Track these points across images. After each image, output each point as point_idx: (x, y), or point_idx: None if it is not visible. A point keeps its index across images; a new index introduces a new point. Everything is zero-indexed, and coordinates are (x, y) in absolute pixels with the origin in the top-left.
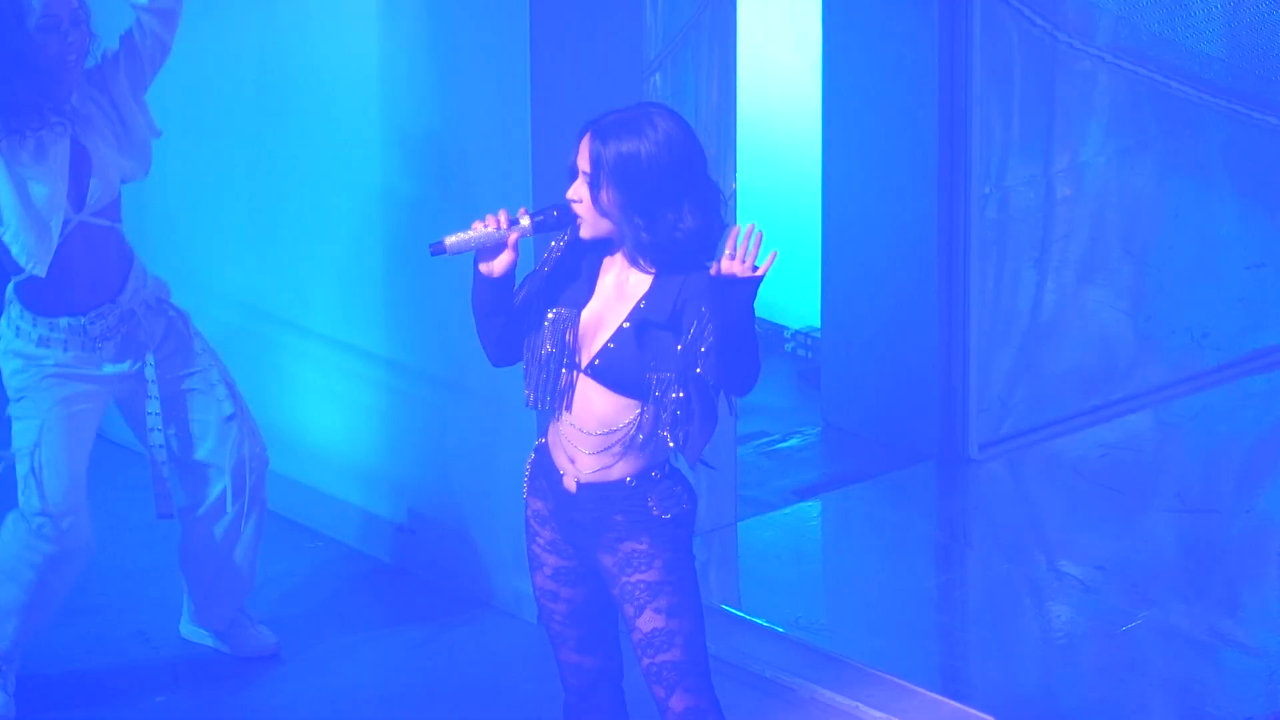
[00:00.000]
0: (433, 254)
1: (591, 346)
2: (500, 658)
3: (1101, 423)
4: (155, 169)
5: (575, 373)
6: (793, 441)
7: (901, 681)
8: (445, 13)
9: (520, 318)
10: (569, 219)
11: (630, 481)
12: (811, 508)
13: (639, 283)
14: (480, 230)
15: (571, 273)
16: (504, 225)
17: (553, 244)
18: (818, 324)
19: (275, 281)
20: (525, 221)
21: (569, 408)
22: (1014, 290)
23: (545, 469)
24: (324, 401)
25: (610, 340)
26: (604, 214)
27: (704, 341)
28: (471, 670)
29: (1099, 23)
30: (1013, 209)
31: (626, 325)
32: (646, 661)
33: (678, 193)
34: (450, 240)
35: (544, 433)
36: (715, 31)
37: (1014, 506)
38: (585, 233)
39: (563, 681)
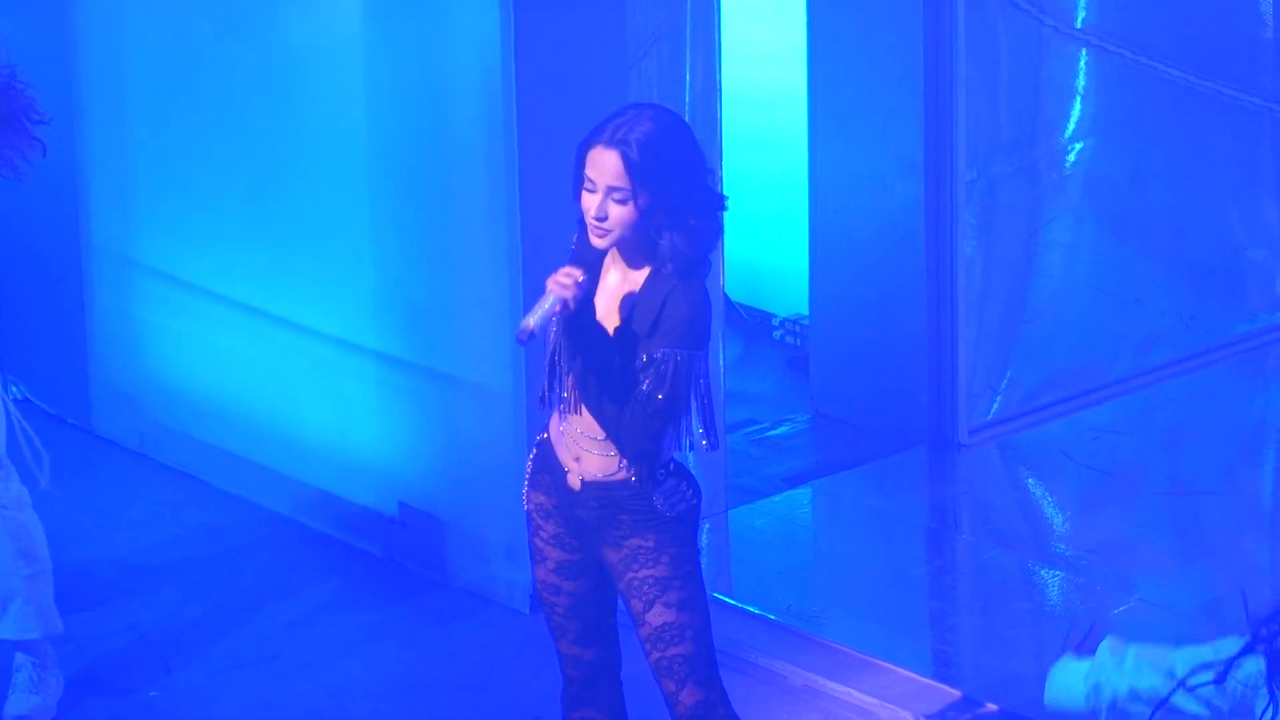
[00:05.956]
0: (525, 344)
1: None
2: (493, 649)
3: (1091, 406)
4: (143, 164)
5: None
6: (782, 429)
7: (893, 667)
8: (428, 6)
9: None
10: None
11: (635, 480)
12: (802, 495)
13: (633, 288)
14: (551, 298)
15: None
16: (574, 288)
17: (573, 246)
18: (806, 311)
19: (262, 274)
20: (580, 275)
21: (576, 409)
22: (1002, 275)
23: (548, 464)
24: (312, 394)
25: None
26: (644, 218)
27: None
28: (465, 662)
29: (1083, 5)
30: (999, 193)
31: (619, 332)
32: (656, 656)
33: (701, 176)
34: (532, 321)
35: (545, 428)
36: (699, 19)
37: (1004, 491)
38: (604, 244)
39: (562, 672)
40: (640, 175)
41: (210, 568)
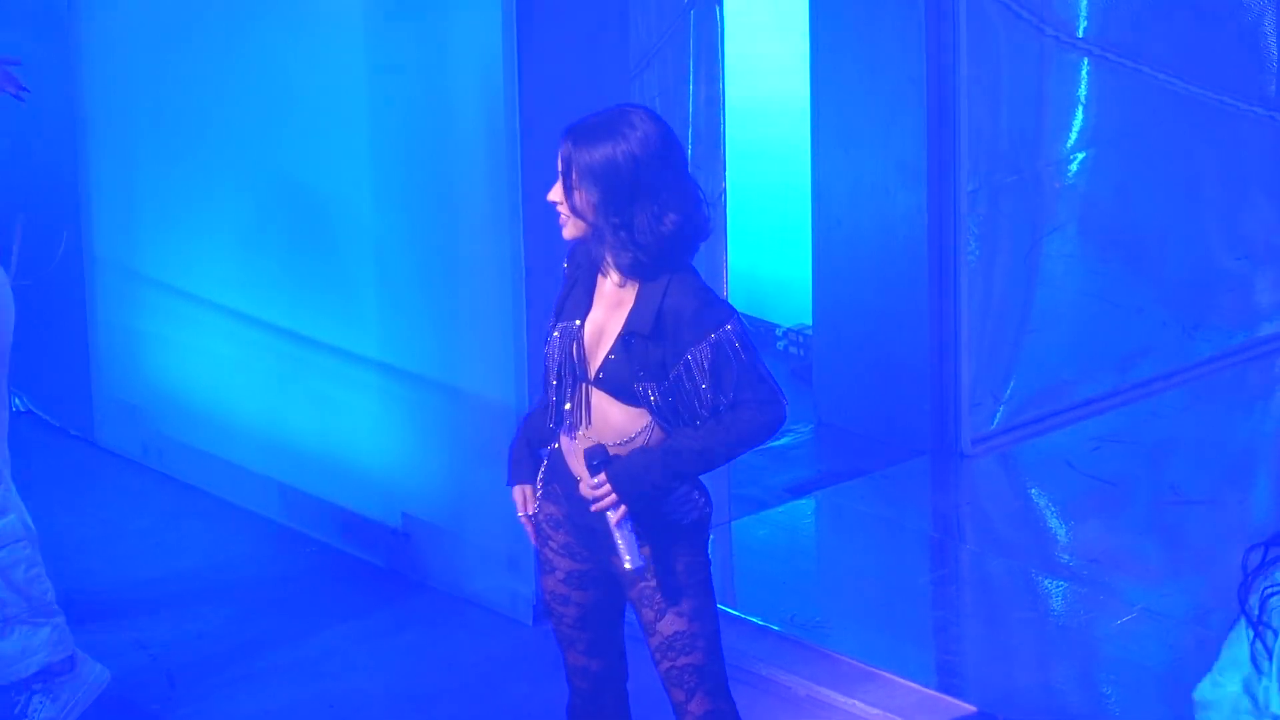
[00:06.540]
0: (641, 572)
1: (596, 358)
2: (496, 660)
3: (1094, 416)
4: (145, 175)
5: (585, 385)
6: (786, 439)
7: (897, 678)
8: (432, 12)
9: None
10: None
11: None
12: (805, 505)
13: (629, 290)
14: (620, 525)
15: (575, 282)
16: (608, 493)
17: (565, 264)
18: (809, 321)
19: (264, 285)
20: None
21: (588, 420)
22: (1005, 284)
23: (559, 474)
24: (315, 405)
25: (611, 351)
26: (579, 215)
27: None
28: (467, 673)
29: (1085, 14)
30: (1002, 203)
31: (621, 335)
32: (666, 665)
33: (655, 191)
34: (629, 556)
35: (555, 438)
36: (702, 28)
37: (1007, 501)
38: (566, 233)
39: (569, 683)
40: (577, 168)
41: (213, 579)
